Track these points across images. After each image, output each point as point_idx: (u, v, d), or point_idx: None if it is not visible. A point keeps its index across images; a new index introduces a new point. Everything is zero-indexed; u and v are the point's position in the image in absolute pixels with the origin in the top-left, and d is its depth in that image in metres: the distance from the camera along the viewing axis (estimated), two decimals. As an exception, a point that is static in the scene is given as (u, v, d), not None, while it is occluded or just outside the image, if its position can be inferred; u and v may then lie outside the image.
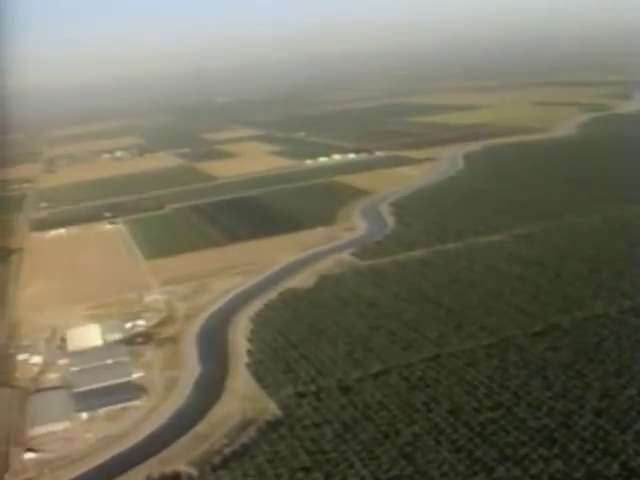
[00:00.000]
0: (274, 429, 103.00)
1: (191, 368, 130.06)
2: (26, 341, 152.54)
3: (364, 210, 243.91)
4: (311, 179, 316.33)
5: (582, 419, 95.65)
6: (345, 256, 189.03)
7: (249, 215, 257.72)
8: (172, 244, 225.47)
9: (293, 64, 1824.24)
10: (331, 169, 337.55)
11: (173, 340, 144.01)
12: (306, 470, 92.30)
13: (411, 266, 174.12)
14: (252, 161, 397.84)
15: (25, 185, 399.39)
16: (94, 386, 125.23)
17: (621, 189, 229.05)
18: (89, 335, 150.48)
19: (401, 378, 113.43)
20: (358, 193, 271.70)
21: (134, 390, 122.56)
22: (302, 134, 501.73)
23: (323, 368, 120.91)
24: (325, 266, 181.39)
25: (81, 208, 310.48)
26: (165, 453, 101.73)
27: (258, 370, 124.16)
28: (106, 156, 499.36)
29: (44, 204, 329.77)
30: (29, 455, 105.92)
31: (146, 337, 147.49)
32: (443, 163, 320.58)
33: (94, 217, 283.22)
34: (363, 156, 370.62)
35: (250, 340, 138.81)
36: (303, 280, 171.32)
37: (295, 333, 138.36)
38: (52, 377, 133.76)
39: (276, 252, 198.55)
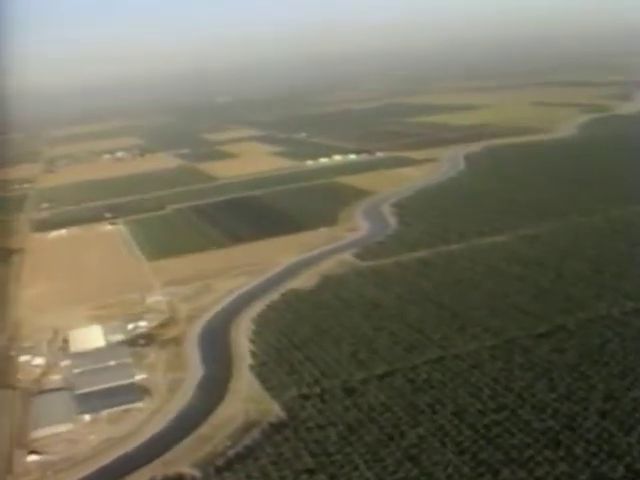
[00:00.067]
0: (278, 431, 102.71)
1: (194, 369, 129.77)
2: (28, 342, 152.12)
3: (366, 211, 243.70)
4: (312, 180, 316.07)
5: (587, 421, 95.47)
6: (347, 257, 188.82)
7: (251, 216, 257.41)
8: (173, 245, 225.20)
9: (293, 64, 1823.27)
10: (332, 170, 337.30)
11: (176, 341, 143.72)
12: (310, 472, 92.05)
13: (413, 267, 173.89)
14: (253, 161, 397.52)
15: (25, 185, 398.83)
16: (97, 388, 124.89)
17: (623, 189, 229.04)
18: (91, 336, 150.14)
19: (405, 380, 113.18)
20: (360, 194, 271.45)
21: (137, 392, 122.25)
22: (303, 134, 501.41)
23: (327, 369, 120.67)
24: (327, 267, 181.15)
25: (82, 208, 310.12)
26: (168, 455, 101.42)
27: (262, 372, 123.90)
28: (107, 156, 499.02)
29: (45, 204, 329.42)
30: (32, 457, 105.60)
31: (148, 338, 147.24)
32: (444, 163, 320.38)
33: (95, 218, 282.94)
34: (364, 157, 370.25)
35: (253, 341, 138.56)
36: (305, 281, 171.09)
37: (298, 334, 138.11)
38: (54, 379, 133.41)
39: (278, 253, 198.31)
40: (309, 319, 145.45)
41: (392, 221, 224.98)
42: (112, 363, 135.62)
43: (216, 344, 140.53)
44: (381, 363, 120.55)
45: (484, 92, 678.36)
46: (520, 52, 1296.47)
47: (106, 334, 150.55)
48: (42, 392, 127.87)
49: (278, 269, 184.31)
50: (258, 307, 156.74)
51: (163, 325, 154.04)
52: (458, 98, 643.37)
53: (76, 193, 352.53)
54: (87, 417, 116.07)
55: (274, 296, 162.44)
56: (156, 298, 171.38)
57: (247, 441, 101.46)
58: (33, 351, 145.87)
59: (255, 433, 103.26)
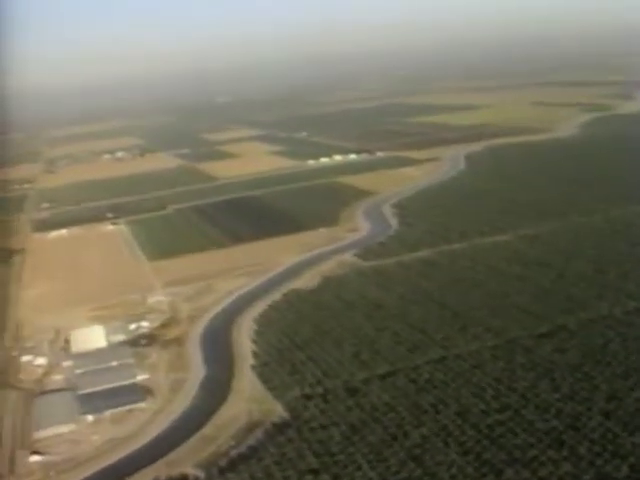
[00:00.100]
0: (281, 431, 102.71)
1: (196, 370, 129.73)
2: (29, 343, 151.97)
3: (367, 211, 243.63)
4: (313, 179, 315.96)
5: (590, 421, 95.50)
6: (349, 257, 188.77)
7: (252, 216, 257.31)
8: (174, 245, 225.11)
9: (293, 64, 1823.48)
10: (333, 169, 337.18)
11: (178, 341, 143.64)
12: (314, 472, 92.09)
13: (415, 267, 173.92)
14: (253, 161, 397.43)
15: (26, 185, 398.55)
16: (99, 388, 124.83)
17: (623, 189, 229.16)
18: (93, 337, 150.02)
19: (408, 380, 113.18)
20: (360, 194, 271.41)
21: (140, 392, 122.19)
22: (304, 134, 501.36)
23: (329, 370, 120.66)
24: (329, 267, 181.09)
25: (82, 209, 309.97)
26: (172, 455, 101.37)
27: (264, 372, 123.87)
28: (107, 156, 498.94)
29: (45, 204, 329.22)
30: (34, 458, 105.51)
31: (150, 339, 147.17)
32: (445, 163, 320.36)
33: (96, 218, 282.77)
34: (364, 156, 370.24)
35: (255, 341, 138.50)
36: (307, 281, 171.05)
37: (300, 334, 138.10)
38: (57, 379, 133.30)
39: (279, 253, 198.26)
40: (311, 319, 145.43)
41: (393, 221, 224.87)
42: (114, 363, 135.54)
43: (218, 344, 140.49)
44: (383, 363, 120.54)
45: (484, 92, 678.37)
46: (520, 52, 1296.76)
47: (108, 334, 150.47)
48: (44, 392, 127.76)
49: (279, 269, 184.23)
50: (260, 307, 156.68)
51: (165, 325, 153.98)
52: (458, 98, 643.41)
53: (76, 193, 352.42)
54: (90, 417, 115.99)
55: (276, 296, 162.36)
56: (157, 298, 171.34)
57: (250, 441, 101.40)
58: (35, 351, 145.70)
59: (258, 433, 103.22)
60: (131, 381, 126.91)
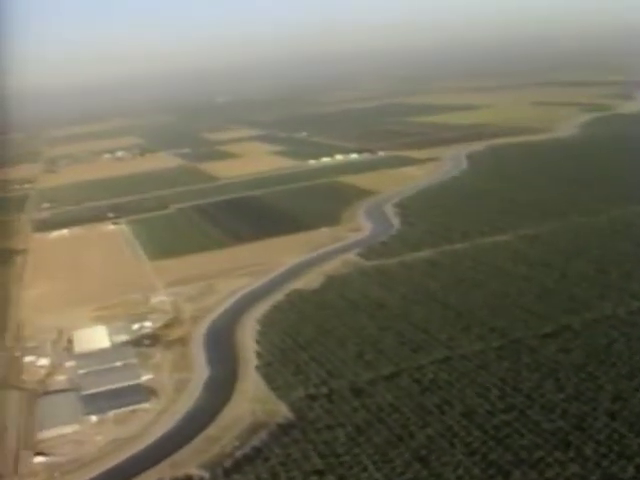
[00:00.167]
0: (286, 432, 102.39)
1: (200, 370, 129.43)
2: (32, 343, 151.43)
3: (369, 210, 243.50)
4: (314, 179, 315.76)
5: (596, 422, 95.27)
6: (351, 257, 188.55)
7: (253, 216, 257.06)
8: (176, 245, 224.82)
9: (293, 64, 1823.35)
10: (334, 169, 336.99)
11: (181, 342, 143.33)
12: (319, 473, 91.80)
13: (417, 267, 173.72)
14: (254, 161, 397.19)
15: (26, 185, 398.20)
16: (103, 388, 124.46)
17: (623, 189, 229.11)
18: (96, 337, 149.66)
19: (413, 380, 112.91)
20: (362, 193, 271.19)
21: (143, 392, 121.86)
22: (304, 134, 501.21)
23: (334, 370, 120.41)
24: (331, 267, 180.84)
25: (83, 208, 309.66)
26: (176, 456, 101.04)
27: (268, 372, 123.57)
28: (107, 156, 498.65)
29: (46, 204, 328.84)
30: (38, 458, 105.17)
31: (153, 339, 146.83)
32: (446, 163, 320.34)
33: (97, 217, 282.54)
34: (366, 156, 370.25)
35: (258, 342, 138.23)
36: (309, 281, 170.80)
37: (303, 334, 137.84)
38: (60, 379, 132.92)
39: (281, 253, 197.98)
40: (314, 319, 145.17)
41: (395, 221, 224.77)
42: (117, 364, 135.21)
43: (221, 345, 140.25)
44: (387, 363, 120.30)
45: (484, 92, 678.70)
46: (520, 52, 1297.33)
47: (111, 334, 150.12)
48: (47, 393, 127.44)
49: (282, 269, 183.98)
50: (263, 307, 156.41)
51: (168, 325, 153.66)
52: (458, 98, 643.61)
53: (77, 193, 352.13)
54: (93, 418, 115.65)
55: (278, 296, 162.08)
56: (160, 298, 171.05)
57: (255, 442, 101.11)
58: (38, 352, 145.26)
59: (263, 434, 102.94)
60: (135, 381, 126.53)
